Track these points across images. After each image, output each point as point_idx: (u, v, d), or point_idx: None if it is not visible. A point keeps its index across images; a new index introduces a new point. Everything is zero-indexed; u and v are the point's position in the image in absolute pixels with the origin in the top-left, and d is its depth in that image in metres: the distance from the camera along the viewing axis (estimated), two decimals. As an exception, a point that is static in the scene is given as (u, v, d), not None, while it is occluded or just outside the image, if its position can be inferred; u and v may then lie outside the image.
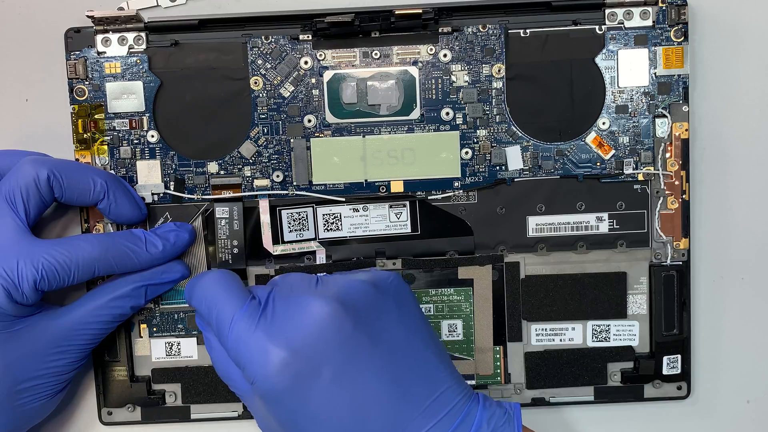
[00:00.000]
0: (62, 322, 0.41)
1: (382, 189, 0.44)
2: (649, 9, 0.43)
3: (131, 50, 0.44)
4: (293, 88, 0.44)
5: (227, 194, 0.44)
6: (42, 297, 0.41)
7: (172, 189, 0.44)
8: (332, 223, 0.45)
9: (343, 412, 0.36)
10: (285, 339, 0.37)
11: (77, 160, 0.44)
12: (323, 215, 0.45)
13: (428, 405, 0.37)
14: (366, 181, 0.44)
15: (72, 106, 0.44)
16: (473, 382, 0.45)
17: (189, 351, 0.45)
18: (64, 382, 0.42)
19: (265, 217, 0.45)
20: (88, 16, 0.43)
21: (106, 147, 0.44)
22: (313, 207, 0.45)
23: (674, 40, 0.44)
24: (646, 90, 0.44)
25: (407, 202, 0.45)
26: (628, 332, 0.45)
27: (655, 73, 0.44)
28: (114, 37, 0.43)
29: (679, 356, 0.45)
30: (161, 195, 0.44)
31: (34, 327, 0.41)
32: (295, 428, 0.37)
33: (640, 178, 0.44)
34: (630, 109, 0.44)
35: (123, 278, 0.43)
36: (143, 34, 0.44)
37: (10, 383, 0.40)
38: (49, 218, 0.46)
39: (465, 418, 0.38)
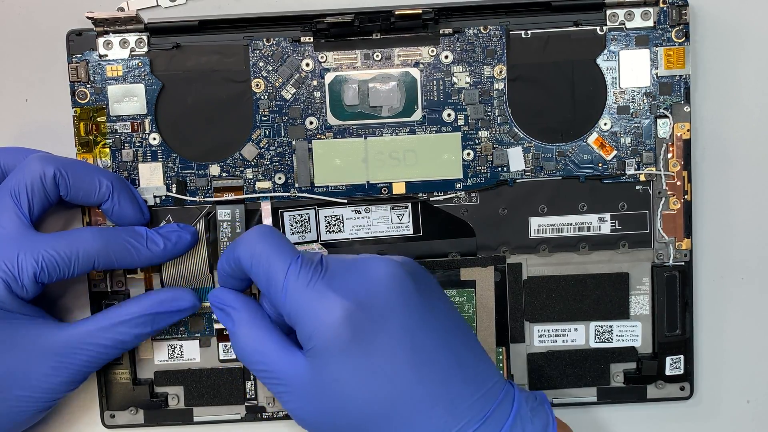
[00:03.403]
0: (61, 337, 0.41)
1: (384, 190, 0.44)
2: (650, 9, 0.43)
3: (133, 53, 0.44)
4: (295, 90, 0.44)
5: (229, 196, 0.44)
6: (42, 291, 0.40)
7: (174, 191, 0.44)
8: (334, 225, 0.45)
9: (403, 368, 0.36)
10: (349, 290, 0.37)
11: (79, 162, 0.44)
12: (325, 217, 0.45)
13: (475, 374, 0.37)
14: (368, 182, 0.44)
15: (74, 109, 0.44)
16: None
17: (192, 354, 0.45)
18: (52, 400, 0.41)
19: (266, 220, 0.45)
20: (87, 17, 0.42)
21: (108, 150, 0.44)
22: (315, 209, 0.45)
23: (675, 40, 0.44)
24: (648, 90, 0.44)
25: (409, 204, 0.45)
26: (631, 333, 0.45)
27: (656, 74, 0.44)
28: (115, 39, 0.43)
29: (681, 357, 0.45)
30: (163, 197, 0.44)
31: (32, 337, 0.40)
32: (350, 388, 0.37)
33: (642, 178, 0.44)
34: (631, 110, 0.44)
35: (132, 302, 0.42)
36: (144, 37, 0.43)
37: None
38: (52, 213, 0.45)
39: (506, 394, 0.38)
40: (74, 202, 0.42)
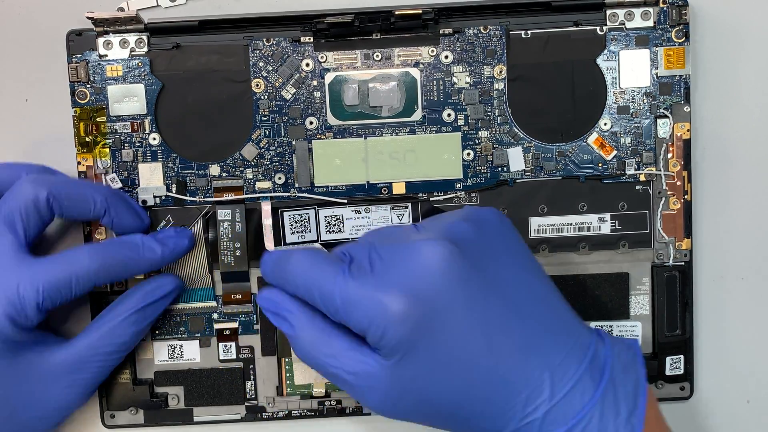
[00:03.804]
0: (69, 355, 0.41)
1: (384, 190, 0.44)
2: (650, 9, 0.43)
3: (133, 53, 0.44)
4: (295, 90, 0.44)
5: (229, 197, 0.44)
6: (46, 317, 0.40)
7: (174, 192, 0.44)
8: (334, 225, 0.45)
9: (478, 354, 0.35)
10: (399, 285, 0.35)
11: (79, 163, 0.44)
12: (325, 217, 0.45)
13: (557, 339, 0.36)
14: (368, 182, 0.44)
15: (74, 109, 0.44)
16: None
17: (192, 354, 0.45)
18: (64, 417, 0.42)
19: (266, 219, 0.45)
20: (87, 17, 0.42)
21: (107, 150, 0.44)
22: (315, 209, 0.45)
23: (675, 40, 0.44)
24: (648, 90, 0.44)
25: (409, 204, 0.45)
26: (631, 333, 0.45)
27: (656, 74, 0.44)
28: (115, 39, 0.43)
29: (681, 357, 0.45)
30: (163, 198, 0.44)
31: (42, 362, 0.40)
32: (429, 383, 0.36)
33: (642, 178, 0.44)
34: (631, 110, 0.44)
35: (120, 302, 0.42)
36: (144, 37, 0.43)
37: (8, 413, 0.40)
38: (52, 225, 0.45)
39: (595, 352, 0.37)
40: (70, 220, 0.42)
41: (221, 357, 0.46)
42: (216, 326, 0.45)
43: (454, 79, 0.44)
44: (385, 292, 0.35)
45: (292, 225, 0.45)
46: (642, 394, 0.36)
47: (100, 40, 0.43)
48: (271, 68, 0.44)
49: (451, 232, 0.37)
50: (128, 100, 0.44)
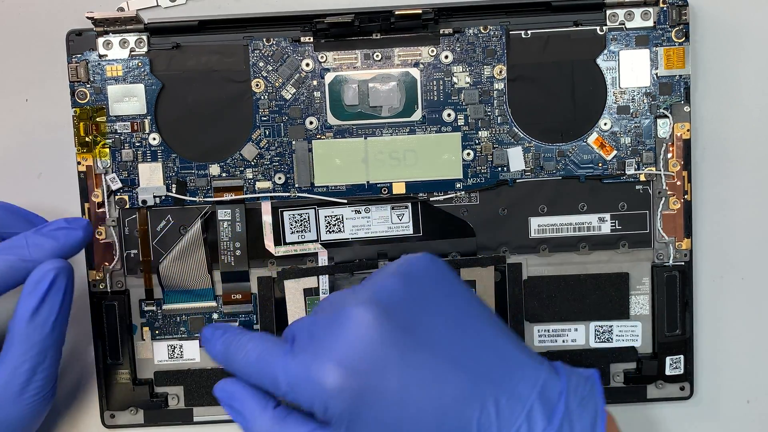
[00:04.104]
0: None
1: (384, 190, 0.44)
2: (650, 9, 0.43)
3: (132, 53, 0.44)
4: (295, 90, 0.44)
5: (229, 197, 0.44)
6: None
7: (174, 191, 0.44)
8: (334, 225, 0.45)
9: (419, 409, 0.35)
10: (333, 358, 0.35)
11: (79, 163, 0.44)
12: (325, 217, 0.45)
13: (498, 379, 0.35)
14: (368, 182, 0.44)
15: (74, 109, 0.44)
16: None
17: (191, 354, 0.45)
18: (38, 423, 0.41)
19: (267, 219, 0.45)
20: (87, 17, 0.42)
21: (107, 150, 0.44)
22: (315, 209, 0.45)
23: (675, 40, 0.44)
24: (648, 90, 0.44)
25: (409, 204, 0.45)
26: (631, 333, 0.45)
27: (656, 74, 0.44)
28: (115, 39, 0.43)
29: (681, 356, 0.45)
30: (163, 198, 0.44)
31: None
32: None
33: (642, 178, 0.44)
34: (631, 110, 0.44)
35: (13, 320, 0.39)
36: (144, 37, 0.43)
37: None
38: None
39: (544, 387, 0.35)
40: None
41: (221, 357, 0.45)
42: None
43: (454, 79, 0.44)
44: (319, 367, 0.35)
45: (292, 225, 0.45)
46: (600, 428, 0.35)
47: (100, 40, 0.43)
48: (271, 68, 0.44)
49: (380, 292, 0.36)
50: (128, 100, 0.44)
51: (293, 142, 0.44)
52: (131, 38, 0.43)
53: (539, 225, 0.45)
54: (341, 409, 0.35)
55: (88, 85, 0.44)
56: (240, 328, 0.40)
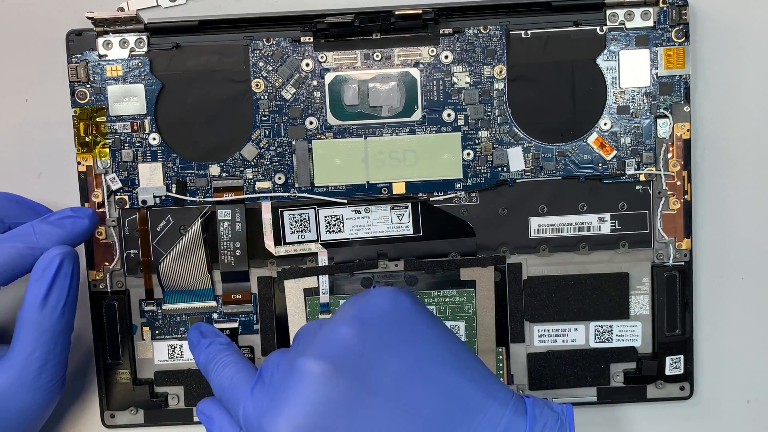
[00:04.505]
0: (7, 379, 0.39)
1: (384, 190, 0.44)
2: (650, 9, 0.43)
3: (132, 53, 0.44)
4: (295, 90, 0.44)
5: (229, 197, 0.44)
6: None
7: (174, 191, 0.44)
8: (334, 225, 0.45)
9: None
10: (282, 413, 0.35)
11: (79, 163, 0.44)
12: (325, 217, 0.45)
13: (456, 422, 0.35)
14: (368, 182, 0.44)
15: (74, 109, 0.44)
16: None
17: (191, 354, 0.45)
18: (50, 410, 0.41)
19: (267, 219, 0.45)
20: (87, 17, 0.42)
21: (107, 150, 0.44)
22: (315, 209, 0.45)
23: (675, 40, 0.44)
24: (648, 90, 0.44)
25: (409, 204, 0.45)
26: (631, 333, 0.45)
27: (656, 74, 0.44)
28: (115, 39, 0.43)
29: (681, 356, 0.45)
30: (163, 198, 0.44)
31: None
32: None
33: (642, 178, 0.44)
34: (631, 110, 0.44)
35: (22, 308, 0.40)
36: (144, 37, 0.43)
37: None
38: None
39: (507, 427, 0.35)
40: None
41: (221, 357, 0.46)
42: (216, 326, 0.45)
43: (454, 79, 0.44)
44: (269, 421, 0.35)
45: (292, 225, 0.45)
46: None
47: (100, 40, 0.43)
48: (271, 68, 0.44)
49: (330, 344, 0.36)
50: (128, 100, 0.44)
51: (293, 142, 0.44)
52: (131, 38, 0.43)
53: (539, 225, 0.45)
54: None
55: (88, 85, 0.44)
56: (224, 343, 0.41)
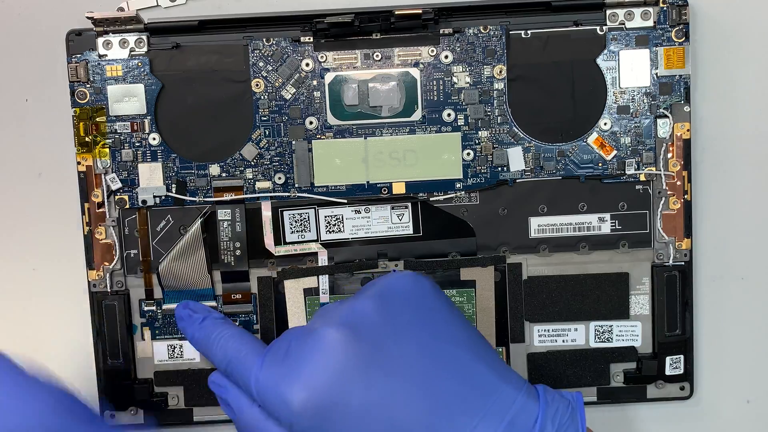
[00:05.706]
0: None
1: (384, 190, 0.44)
2: (650, 9, 0.43)
3: (132, 53, 0.44)
4: (295, 90, 0.44)
5: (229, 196, 0.44)
6: None
7: (174, 192, 0.44)
8: (334, 225, 0.45)
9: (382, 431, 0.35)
10: (300, 377, 0.35)
11: (79, 163, 0.44)
12: (325, 217, 0.45)
13: (469, 403, 0.35)
14: (368, 182, 0.44)
15: (73, 109, 0.44)
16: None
17: (191, 354, 0.45)
18: None
19: (266, 219, 0.45)
20: (87, 17, 0.42)
21: (107, 150, 0.44)
22: (315, 209, 0.45)
23: (675, 40, 0.44)
24: (648, 90, 0.44)
25: (409, 204, 0.45)
26: (631, 333, 0.45)
27: (656, 74, 0.44)
28: (115, 39, 0.43)
29: (681, 356, 0.45)
30: (163, 198, 0.44)
31: None
32: None
33: (642, 178, 0.44)
34: (631, 110, 0.44)
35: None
36: (144, 37, 0.43)
37: None
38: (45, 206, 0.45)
39: (517, 416, 0.35)
40: None
41: (221, 357, 0.45)
42: (216, 326, 0.45)
43: (454, 79, 0.44)
44: (287, 385, 0.35)
45: (292, 225, 0.45)
46: None
47: (100, 40, 0.43)
48: (271, 68, 0.44)
49: (353, 314, 0.37)
50: (128, 100, 0.44)
51: (293, 142, 0.44)
52: (131, 38, 0.43)
53: (539, 225, 0.45)
54: (305, 426, 0.35)
55: (88, 85, 0.44)
56: (219, 317, 0.40)
